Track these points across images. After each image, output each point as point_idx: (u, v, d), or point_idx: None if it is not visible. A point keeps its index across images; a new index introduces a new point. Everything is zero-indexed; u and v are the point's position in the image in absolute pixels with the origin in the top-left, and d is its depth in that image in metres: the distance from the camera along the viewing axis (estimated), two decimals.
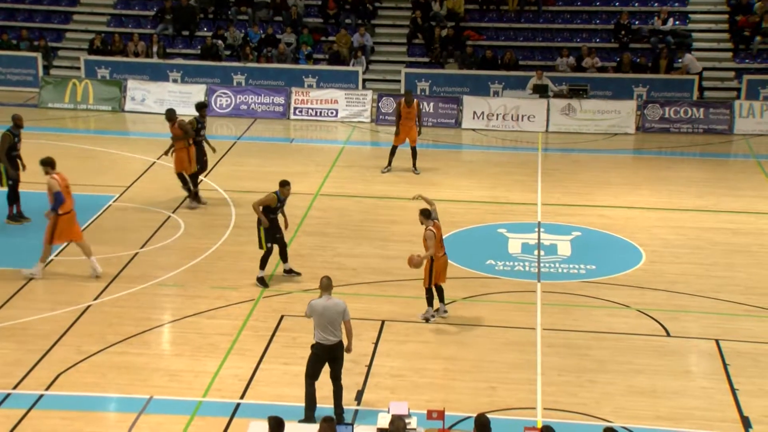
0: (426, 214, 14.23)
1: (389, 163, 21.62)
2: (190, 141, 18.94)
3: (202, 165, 19.57)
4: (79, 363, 13.07)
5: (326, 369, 11.67)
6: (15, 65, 28.40)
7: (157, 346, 13.94)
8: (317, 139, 25.02)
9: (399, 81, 27.44)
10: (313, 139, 25.05)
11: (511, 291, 15.72)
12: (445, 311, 14.65)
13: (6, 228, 17.94)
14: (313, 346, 11.63)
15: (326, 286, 11.66)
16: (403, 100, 21.54)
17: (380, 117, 25.70)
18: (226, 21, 29.56)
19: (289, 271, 15.94)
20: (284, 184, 15.74)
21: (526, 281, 16.07)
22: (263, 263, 15.59)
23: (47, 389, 12.41)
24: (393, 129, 22.10)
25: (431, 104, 25.99)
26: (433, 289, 14.40)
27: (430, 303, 14.45)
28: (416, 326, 14.37)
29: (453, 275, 15.71)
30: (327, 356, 11.55)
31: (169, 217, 18.55)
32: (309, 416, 11.52)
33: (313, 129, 25.81)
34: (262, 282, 15.50)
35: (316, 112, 26.31)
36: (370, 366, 13.09)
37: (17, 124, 18.07)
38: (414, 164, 21.53)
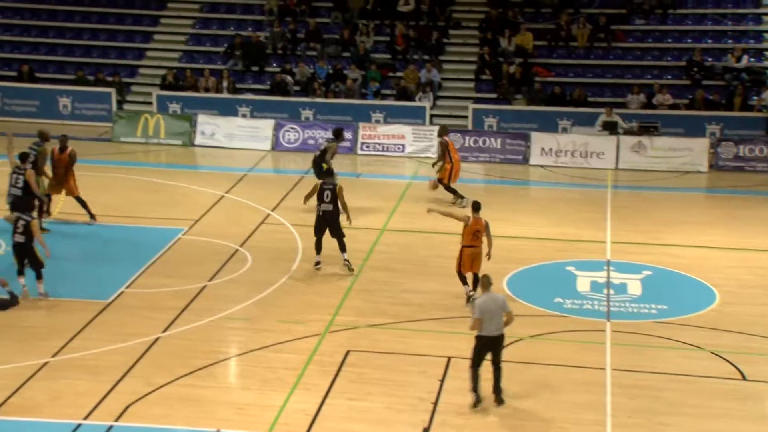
0: (474, 207, 16.01)
1: (460, 196, 21.53)
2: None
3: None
4: (148, 395, 13.16)
5: None
6: (90, 100, 29.10)
7: (225, 379, 13.99)
8: (384, 174, 25.06)
9: (466, 117, 27.42)
10: (379, 174, 25.08)
11: (579, 330, 15.46)
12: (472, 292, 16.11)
13: (80, 259, 18.23)
14: (477, 338, 12.80)
15: (486, 284, 12.95)
16: (447, 137, 21.87)
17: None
18: (295, 57, 29.93)
19: (347, 261, 17.36)
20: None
21: (595, 320, 15.80)
22: (344, 246, 17.22)
23: (116, 420, 12.50)
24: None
25: (498, 140, 25.91)
26: (465, 275, 16.00)
27: (464, 283, 16.04)
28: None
29: (520, 313, 15.51)
30: (490, 347, 12.79)
31: (237, 250, 18.69)
32: (477, 395, 12.84)
33: (380, 164, 25.88)
34: None
35: (384, 147, 26.40)
36: (436, 403, 12.96)
37: None
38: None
